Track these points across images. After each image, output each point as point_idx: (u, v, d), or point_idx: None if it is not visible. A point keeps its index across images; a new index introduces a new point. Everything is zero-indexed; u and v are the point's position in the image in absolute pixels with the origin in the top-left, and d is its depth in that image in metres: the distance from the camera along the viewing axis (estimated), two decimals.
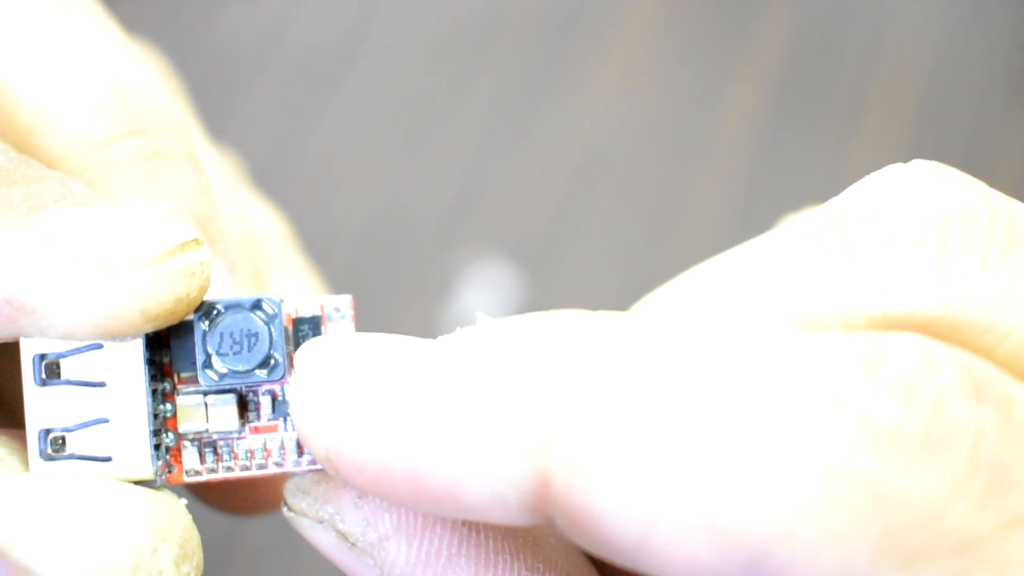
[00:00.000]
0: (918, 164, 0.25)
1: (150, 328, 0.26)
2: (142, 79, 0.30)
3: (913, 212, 0.24)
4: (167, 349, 0.27)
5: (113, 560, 0.25)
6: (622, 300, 0.30)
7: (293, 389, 0.25)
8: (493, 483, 0.22)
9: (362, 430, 0.23)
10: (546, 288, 0.63)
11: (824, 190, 0.69)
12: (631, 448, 0.21)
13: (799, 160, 0.67)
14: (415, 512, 0.25)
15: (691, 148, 0.67)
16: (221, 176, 0.36)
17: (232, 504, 0.35)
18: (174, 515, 0.26)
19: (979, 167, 0.70)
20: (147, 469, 0.26)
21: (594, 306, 0.25)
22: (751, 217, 0.64)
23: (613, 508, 0.21)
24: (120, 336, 0.26)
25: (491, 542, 0.26)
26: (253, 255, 0.35)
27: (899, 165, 0.25)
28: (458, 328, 0.24)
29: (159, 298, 0.26)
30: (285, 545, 0.54)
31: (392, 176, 0.66)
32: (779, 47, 0.70)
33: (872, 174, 0.25)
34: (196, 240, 0.26)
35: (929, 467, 0.20)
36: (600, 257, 0.64)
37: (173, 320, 0.26)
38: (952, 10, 0.72)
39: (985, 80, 0.69)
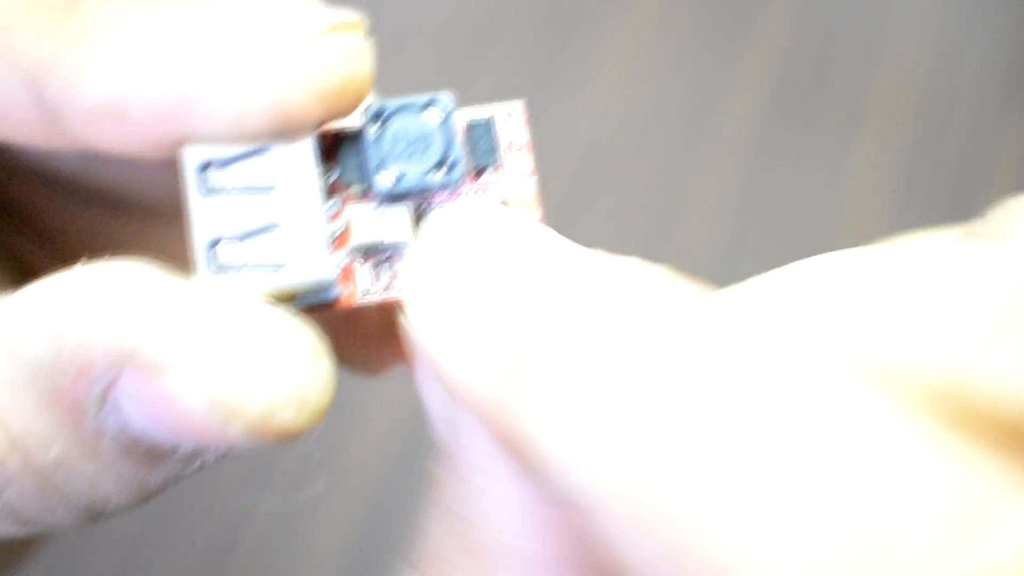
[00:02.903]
0: None
1: (320, 115, 0.24)
2: None
3: None
4: (334, 164, 0.25)
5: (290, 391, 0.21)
6: None
7: (409, 271, 0.22)
8: None
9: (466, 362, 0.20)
10: None
11: (824, 189, 0.69)
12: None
13: (799, 160, 0.67)
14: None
15: (691, 148, 0.67)
16: None
17: (361, 359, 0.32)
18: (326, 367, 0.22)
19: (979, 167, 0.71)
20: (325, 268, 0.24)
21: None
22: (751, 217, 0.64)
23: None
24: (288, 131, 0.24)
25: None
26: None
27: None
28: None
29: (332, 75, 0.23)
30: (284, 546, 0.54)
31: None
32: (779, 47, 0.70)
33: None
34: (360, 21, 0.24)
35: None
36: None
37: (342, 110, 0.24)
38: (952, 10, 0.72)
39: (985, 80, 0.69)
